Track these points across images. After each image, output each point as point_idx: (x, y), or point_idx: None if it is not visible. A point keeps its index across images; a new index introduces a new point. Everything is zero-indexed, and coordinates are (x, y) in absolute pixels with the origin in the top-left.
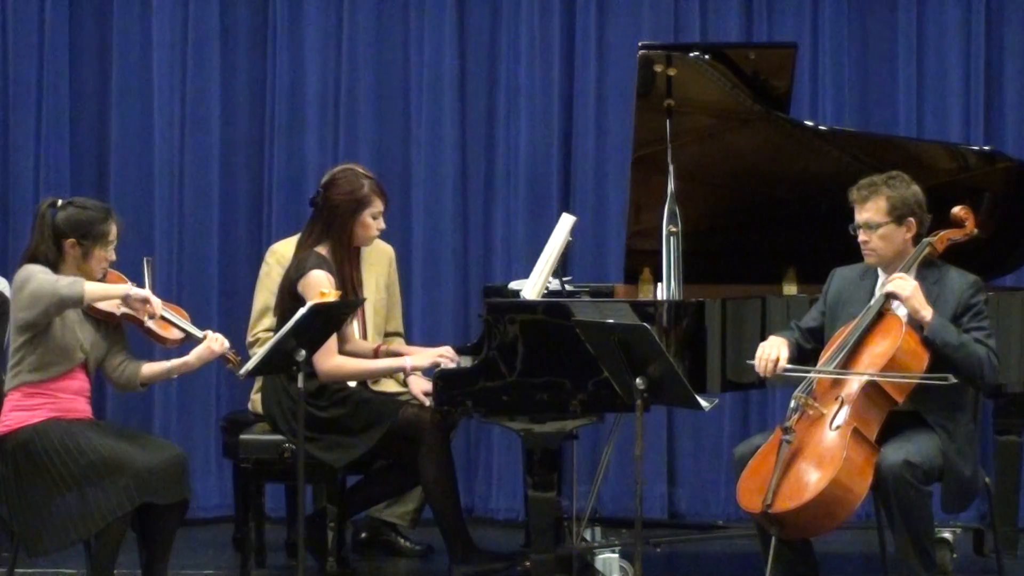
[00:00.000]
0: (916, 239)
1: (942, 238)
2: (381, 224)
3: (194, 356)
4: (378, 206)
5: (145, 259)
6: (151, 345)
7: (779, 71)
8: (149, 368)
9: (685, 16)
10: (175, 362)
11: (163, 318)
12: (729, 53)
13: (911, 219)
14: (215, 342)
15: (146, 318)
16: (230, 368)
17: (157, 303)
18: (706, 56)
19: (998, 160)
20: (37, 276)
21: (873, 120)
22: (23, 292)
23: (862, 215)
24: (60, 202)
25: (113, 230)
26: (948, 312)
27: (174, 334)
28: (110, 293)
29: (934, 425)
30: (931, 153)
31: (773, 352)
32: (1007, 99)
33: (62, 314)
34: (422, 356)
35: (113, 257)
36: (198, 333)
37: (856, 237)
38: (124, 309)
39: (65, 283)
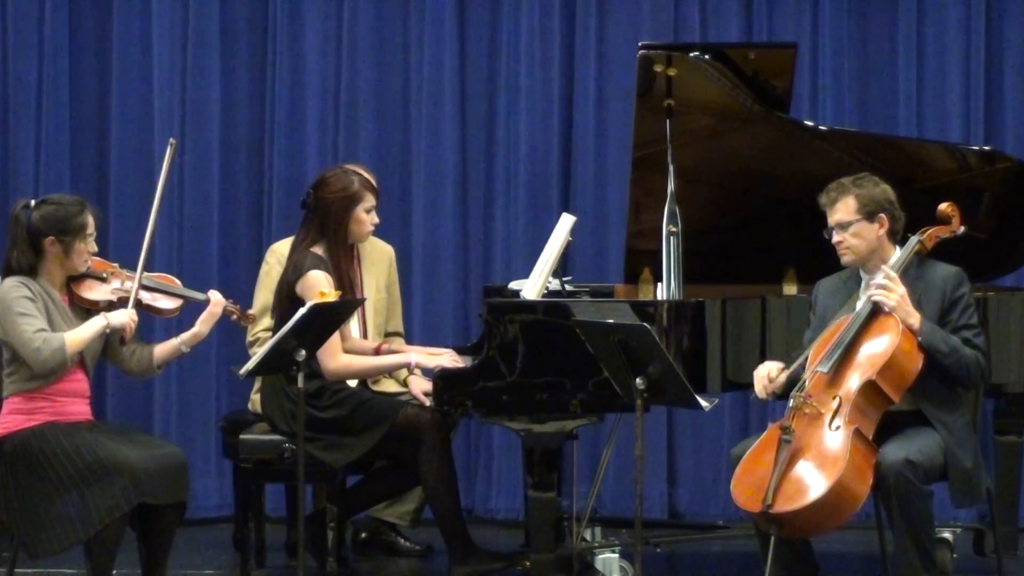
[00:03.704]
0: (892, 236)
1: (930, 235)
2: (375, 219)
3: (202, 323)
4: (370, 200)
5: (170, 142)
6: (151, 320)
7: (779, 71)
8: (161, 350)
9: (685, 16)
10: (184, 336)
11: (156, 290)
12: (729, 53)
13: (882, 215)
14: (216, 305)
15: (141, 295)
16: (236, 320)
17: (133, 322)
18: (706, 56)
19: (998, 160)
20: (16, 324)
21: (873, 120)
22: (3, 324)
23: (833, 217)
24: (33, 202)
25: (90, 221)
26: (935, 307)
27: (170, 304)
28: (91, 332)
29: (932, 419)
30: (931, 153)
31: (763, 371)
32: (1007, 99)
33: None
34: (427, 357)
35: (94, 248)
36: (200, 296)
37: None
38: (119, 295)
39: (46, 353)
